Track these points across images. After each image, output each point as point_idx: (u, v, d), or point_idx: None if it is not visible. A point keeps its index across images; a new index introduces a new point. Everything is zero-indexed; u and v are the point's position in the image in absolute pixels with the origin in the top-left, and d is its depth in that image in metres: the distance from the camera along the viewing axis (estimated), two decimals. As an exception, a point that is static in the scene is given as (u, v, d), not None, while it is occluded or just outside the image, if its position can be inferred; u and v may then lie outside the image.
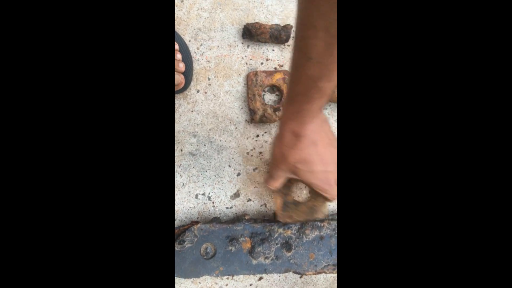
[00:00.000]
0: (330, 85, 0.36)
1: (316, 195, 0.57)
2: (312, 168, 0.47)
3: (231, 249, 0.57)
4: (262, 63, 0.62)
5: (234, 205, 0.62)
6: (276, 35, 0.59)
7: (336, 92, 0.59)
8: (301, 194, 0.63)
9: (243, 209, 0.63)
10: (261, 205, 0.63)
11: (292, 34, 0.63)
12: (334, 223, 0.61)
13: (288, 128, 0.43)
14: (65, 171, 0.28)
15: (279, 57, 0.62)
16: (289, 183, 0.57)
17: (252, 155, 0.63)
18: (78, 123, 0.28)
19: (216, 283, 0.62)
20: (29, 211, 0.28)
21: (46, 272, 0.28)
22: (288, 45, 0.63)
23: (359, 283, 0.28)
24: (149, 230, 0.29)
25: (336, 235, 0.60)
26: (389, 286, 0.28)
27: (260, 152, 0.63)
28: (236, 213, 0.62)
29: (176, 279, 0.60)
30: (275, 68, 0.62)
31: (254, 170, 0.63)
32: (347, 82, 0.28)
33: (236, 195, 0.63)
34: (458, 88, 0.27)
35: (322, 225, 0.60)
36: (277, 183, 0.53)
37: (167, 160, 0.30)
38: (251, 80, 0.60)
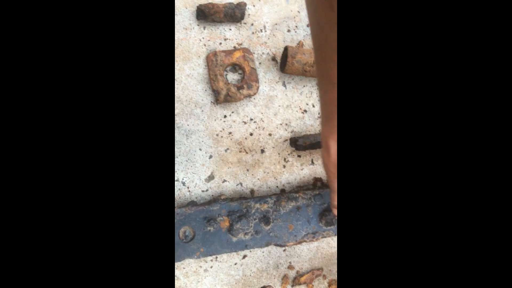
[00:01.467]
0: None
1: None
2: None
3: (209, 230, 0.57)
4: (220, 43, 0.62)
5: (210, 187, 0.63)
6: (231, 14, 0.60)
7: (310, 68, 0.60)
8: (274, 168, 0.64)
9: (219, 190, 0.63)
10: (237, 185, 0.63)
11: (247, 12, 0.63)
12: (309, 192, 0.62)
13: (334, 141, 0.47)
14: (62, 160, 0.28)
15: (237, 35, 0.63)
16: None
17: (222, 136, 0.63)
18: (78, 108, 0.28)
19: (201, 266, 0.62)
20: (31, 199, 0.28)
21: (46, 253, 0.28)
22: (245, 23, 0.63)
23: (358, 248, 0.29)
24: (149, 217, 0.30)
25: (312, 204, 0.61)
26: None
27: (230, 133, 0.63)
28: (212, 195, 0.63)
29: (160, 267, 0.60)
30: (234, 47, 0.62)
31: (226, 150, 0.63)
32: (347, 84, 0.29)
33: (211, 177, 0.63)
34: (452, 89, 0.27)
35: (297, 195, 0.61)
36: None
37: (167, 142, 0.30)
38: (211, 60, 0.60)
